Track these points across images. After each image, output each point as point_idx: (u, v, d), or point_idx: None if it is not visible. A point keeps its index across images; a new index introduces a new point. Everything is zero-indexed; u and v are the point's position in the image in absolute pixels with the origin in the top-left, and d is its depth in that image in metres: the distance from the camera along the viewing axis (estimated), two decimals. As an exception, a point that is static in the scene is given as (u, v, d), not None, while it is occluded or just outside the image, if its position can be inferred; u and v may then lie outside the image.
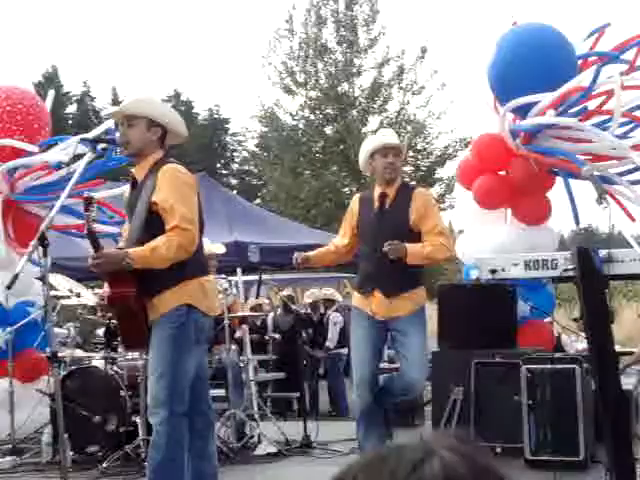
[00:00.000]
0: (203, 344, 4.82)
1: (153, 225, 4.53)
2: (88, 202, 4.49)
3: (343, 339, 12.18)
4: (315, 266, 6.41)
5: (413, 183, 5.70)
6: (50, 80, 48.95)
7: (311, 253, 6.22)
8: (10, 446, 7.66)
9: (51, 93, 9.26)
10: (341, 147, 26.41)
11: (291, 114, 27.88)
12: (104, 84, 60.70)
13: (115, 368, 7.50)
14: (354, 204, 6.13)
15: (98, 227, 8.53)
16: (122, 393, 7.21)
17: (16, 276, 4.44)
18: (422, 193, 6.03)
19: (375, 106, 27.45)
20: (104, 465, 6.66)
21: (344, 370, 12.28)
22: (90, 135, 8.09)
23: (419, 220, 5.76)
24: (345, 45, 27.27)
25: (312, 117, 27.65)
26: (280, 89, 27.63)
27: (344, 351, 12.18)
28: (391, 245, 5.58)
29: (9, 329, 8.13)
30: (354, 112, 27.40)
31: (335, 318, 12.48)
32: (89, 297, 7.99)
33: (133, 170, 4.80)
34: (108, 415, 7.16)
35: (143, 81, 67.10)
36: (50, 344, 4.76)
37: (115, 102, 51.81)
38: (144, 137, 4.70)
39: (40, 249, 4.54)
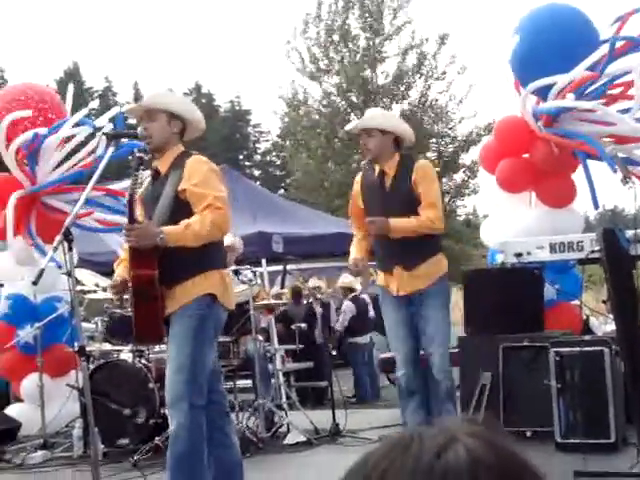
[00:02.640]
0: (218, 337, 4.85)
1: (179, 214, 4.53)
2: (140, 162, 4.51)
3: (361, 327, 12.20)
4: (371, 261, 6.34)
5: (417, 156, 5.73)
6: (71, 76, 49.21)
7: (358, 256, 6.05)
8: (41, 441, 7.72)
9: (70, 87, 9.29)
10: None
11: (313, 103, 27.86)
12: (126, 79, 61.10)
13: (143, 361, 7.53)
14: (357, 186, 6.09)
15: (116, 218, 8.64)
16: (151, 385, 7.25)
17: (42, 271, 4.45)
18: (422, 165, 5.96)
19: (398, 93, 27.36)
20: (135, 457, 6.69)
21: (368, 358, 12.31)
22: (110, 128, 8.11)
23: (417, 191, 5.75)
24: (369, 32, 27.19)
25: (337, 103, 27.61)
26: (304, 76, 27.62)
27: (362, 339, 12.18)
28: (371, 222, 5.59)
29: (37, 324, 8.18)
30: (379, 99, 27.34)
31: (346, 307, 12.43)
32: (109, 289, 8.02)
33: (155, 163, 4.81)
34: (137, 408, 7.21)
35: (164, 75, 67.25)
36: (78, 338, 4.78)
37: (137, 96, 51.98)
38: (165, 131, 4.73)
39: (65, 244, 4.54)
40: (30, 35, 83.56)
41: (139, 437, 7.10)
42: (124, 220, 8.42)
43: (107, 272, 10.20)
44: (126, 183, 8.88)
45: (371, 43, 27.14)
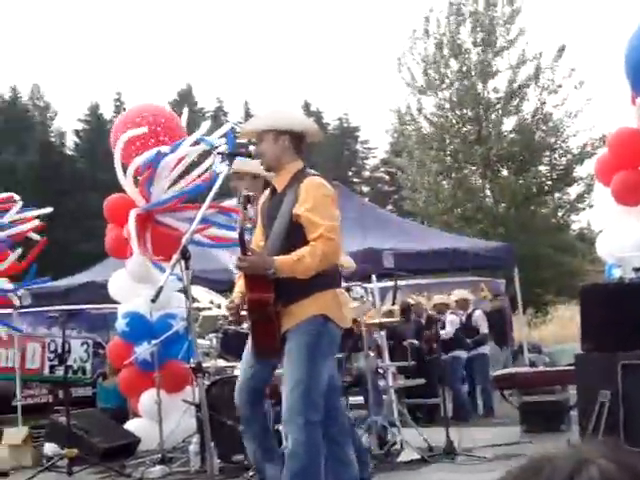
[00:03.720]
0: (335, 354, 4.83)
1: (294, 236, 4.58)
2: (247, 200, 4.59)
3: (461, 341, 12.01)
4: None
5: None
6: (185, 97, 50.32)
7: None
8: (160, 455, 7.87)
9: (185, 110, 9.51)
10: (478, 148, 26.07)
11: (425, 116, 27.77)
12: (236, 99, 62.00)
13: (257, 377, 7.58)
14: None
15: (229, 234, 8.77)
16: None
17: (160, 289, 4.54)
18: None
19: (511, 107, 27.02)
20: (250, 473, 6.75)
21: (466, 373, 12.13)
22: (225, 148, 8.27)
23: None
24: (481, 46, 26.97)
25: (449, 117, 27.46)
26: (415, 91, 27.58)
27: (461, 353, 11.99)
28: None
29: (154, 341, 8.36)
30: (490, 112, 27.07)
31: (451, 320, 12.21)
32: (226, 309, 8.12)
33: (274, 180, 4.87)
34: (252, 424, 7.25)
35: (273, 94, 68.08)
36: (194, 355, 4.86)
37: (248, 116, 52.73)
38: (274, 148, 4.77)
39: (182, 262, 4.63)
40: (145, 58, 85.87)
41: (253, 453, 7.14)
42: (235, 236, 8.60)
43: (221, 289, 10.35)
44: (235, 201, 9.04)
45: (483, 57, 26.89)
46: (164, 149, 8.95)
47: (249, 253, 4.57)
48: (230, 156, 5.12)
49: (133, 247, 8.77)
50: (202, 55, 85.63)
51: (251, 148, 4.95)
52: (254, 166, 5.59)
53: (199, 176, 9.15)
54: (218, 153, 7.92)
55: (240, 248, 4.58)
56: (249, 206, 4.62)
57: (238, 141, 8.13)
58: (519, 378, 9.61)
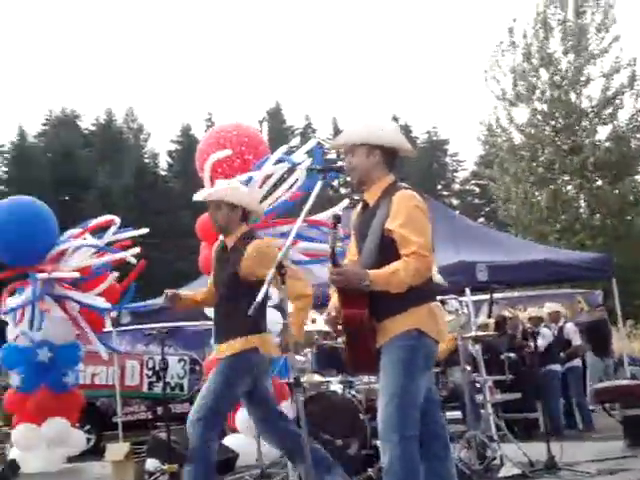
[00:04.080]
0: (431, 368, 4.80)
1: (387, 251, 4.56)
2: (337, 220, 4.63)
3: (556, 355, 11.80)
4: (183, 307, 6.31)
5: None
6: (274, 116, 50.86)
7: (185, 292, 6.32)
8: (259, 471, 7.91)
9: (265, 127, 9.63)
10: (573, 158, 25.64)
11: (517, 126, 27.47)
12: (325, 116, 62.40)
13: (353, 392, 7.60)
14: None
15: (321, 247, 8.82)
16: (361, 417, 7.30)
17: (257, 304, 4.58)
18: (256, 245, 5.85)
19: (605, 115, 26.52)
20: (347, 488, 6.73)
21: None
22: (310, 163, 8.33)
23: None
24: (573, 54, 26.56)
25: (541, 127, 27.09)
26: (504, 102, 27.32)
27: (556, 367, 11.78)
28: None
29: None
30: (584, 122, 26.62)
31: (544, 333, 12.01)
32: (324, 323, 8.16)
33: (365, 195, 4.87)
34: (349, 439, 7.27)
35: (362, 109, 68.25)
36: (291, 370, 4.88)
37: (336, 132, 52.99)
38: (366, 163, 4.76)
39: (278, 278, 4.67)
40: (235, 79, 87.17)
41: (351, 468, 7.13)
42: (327, 249, 8.63)
43: (315, 304, 10.38)
44: (325, 214, 9.08)
45: (574, 65, 26.47)
46: (255, 175, 9.04)
47: (340, 266, 4.58)
48: (322, 171, 5.13)
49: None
50: (290, 73, 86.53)
51: (340, 163, 4.97)
52: (232, 196, 5.93)
53: (286, 192, 9.22)
54: (310, 169, 7.97)
55: (331, 262, 4.59)
56: (339, 226, 4.64)
57: (327, 157, 8.20)
58: (621, 391, 9.39)
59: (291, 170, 9.19)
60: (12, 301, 10.36)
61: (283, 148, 9.22)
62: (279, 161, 9.07)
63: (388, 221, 4.57)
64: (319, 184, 5.07)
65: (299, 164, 8.98)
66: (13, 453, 10.66)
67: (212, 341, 5.87)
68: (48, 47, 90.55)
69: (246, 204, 5.94)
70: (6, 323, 10.53)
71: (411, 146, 5.01)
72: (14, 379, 10.65)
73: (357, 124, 4.91)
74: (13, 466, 10.19)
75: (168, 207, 43.50)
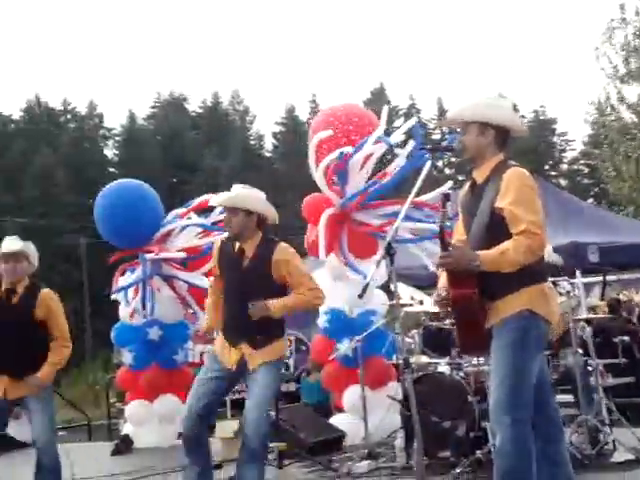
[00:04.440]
0: (543, 350, 4.71)
1: (496, 229, 4.48)
2: (446, 198, 4.57)
3: None
4: None
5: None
6: (378, 96, 50.73)
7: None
8: (366, 451, 7.94)
9: (385, 109, 9.56)
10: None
11: (628, 104, 26.71)
12: (429, 96, 61.92)
13: (461, 374, 7.53)
14: (215, 252, 5.95)
15: (427, 227, 8.76)
16: (470, 398, 7.22)
17: (367, 285, 4.59)
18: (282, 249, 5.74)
19: None
20: (457, 470, 6.69)
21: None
22: (426, 144, 8.27)
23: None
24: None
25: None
26: (616, 81, 26.59)
27: None
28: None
29: (357, 338, 8.44)
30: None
31: None
32: (431, 304, 8.10)
33: (474, 173, 4.79)
34: (457, 421, 7.20)
35: (468, 88, 67.44)
36: (399, 351, 4.86)
37: (441, 113, 52.54)
38: (477, 141, 4.68)
39: (387, 259, 4.65)
40: (339, 59, 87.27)
41: (459, 450, 7.09)
42: (432, 227, 8.57)
43: (420, 285, 10.32)
44: (430, 196, 9.01)
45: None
46: (347, 149, 9.06)
47: (450, 249, 4.52)
48: (432, 151, 5.08)
49: (320, 249, 8.92)
50: (394, 53, 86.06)
51: (446, 143, 4.91)
52: (249, 202, 5.74)
53: (384, 174, 9.21)
54: (421, 148, 7.91)
55: (441, 245, 4.54)
56: (448, 204, 4.57)
57: (432, 137, 8.11)
58: None
59: (392, 151, 9.17)
60: (123, 281, 10.61)
61: (382, 128, 9.18)
62: (379, 140, 9.05)
63: (498, 199, 4.49)
64: (428, 164, 5.02)
65: (396, 145, 8.96)
66: (126, 428, 10.96)
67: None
68: (157, 32, 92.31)
69: (262, 210, 5.76)
70: (118, 302, 10.79)
71: (525, 125, 4.91)
72: (126, 357, 10.92)
73: (471, 101, 4.82)
74: (127, 441, 10.48)
75: (273, 188, 43.91)
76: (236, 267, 5.70)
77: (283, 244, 5.75)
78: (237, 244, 5.74)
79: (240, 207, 5.67)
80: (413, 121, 9.23)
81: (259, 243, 5.70)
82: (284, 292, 5.68)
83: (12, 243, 6.20)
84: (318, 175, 9.19)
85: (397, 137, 9.12)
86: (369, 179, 9.33)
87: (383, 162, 9.49)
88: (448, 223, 4.69)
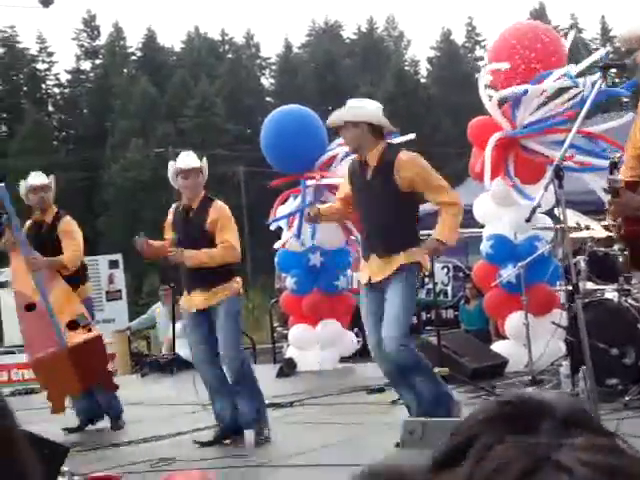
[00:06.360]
0: None
1: None
2: (614, 165, 4.43)
3: None
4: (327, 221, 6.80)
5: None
6: (538, 17, 49.03)
7: (323, 206, 6.48)
8: (529, 377, 7.88)
9: (571, 33, 9.18)
10: None
11: None
12: (592, 14, 59.45)
13: (630, 300, 7.31)
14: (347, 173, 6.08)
15: (595, 161, 8.44)
16: (639, 326, 7.02)
17: (534, 209, 4.50)
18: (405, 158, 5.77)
19: None
20: (626, 398, 6.55)
21: None
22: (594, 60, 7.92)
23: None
24: None
25: None
26: None
27: None
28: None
29: (520, 264, 8.31)
30: None
31: None
32: (599, 230, 7.87)
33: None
34: (626, 348, 7.02)
35: (633, 3, 64.24)
36: (563, 277, 4.76)
37: (604, 32, 50.35)
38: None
39: (556, 181, 4.53)
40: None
41: (628, 378, 6.92)
42: (601, 163, 8.24)
43: (586, 211, 10.02)
44: (606, 125, 8.66)
45: None
46: (531, 88, 8.74)
47: (620, 193, 4.36)
48: (605, 68, 4.88)
49: (486, 172, 8.75)
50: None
51: (626, 60, 4.69)
52: (352, 114, 5.79)
53: (562, 104, 8.88)
54: (594, 66, 7.58)
55: (610, 192, 4.39)
56: (615, 170, 4.41)
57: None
58: None
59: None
60: (284, 209, 10.78)
61: (572, 66, 8.79)
62: (563, 76, 8.68)
63: None
64: (597, 84, 4.83)
65: (578, 86, 8.52)
66: (290, 352, 11.25)
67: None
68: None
69: (369, 119, 5.76)
70: (281, 229, 10.98)
71: None
72: (289, 282, 11.15)
73: None
74: (290, 364, 10.76)
75: (428, 114, 43.43)
76: (361, 178, 5.84)
77: (406, 152, 5.85)
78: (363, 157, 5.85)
79: (348, 121, 5.78)
80: (602, 52, 8.84)
81: (382, 151, 5.77)
82: (412, 198, 5.75)
83: (190, 159, 6.54)
84: (491, 103, 8.98)
85: (582, 68, 8.72)
86: (543, 105, 9.00)
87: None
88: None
